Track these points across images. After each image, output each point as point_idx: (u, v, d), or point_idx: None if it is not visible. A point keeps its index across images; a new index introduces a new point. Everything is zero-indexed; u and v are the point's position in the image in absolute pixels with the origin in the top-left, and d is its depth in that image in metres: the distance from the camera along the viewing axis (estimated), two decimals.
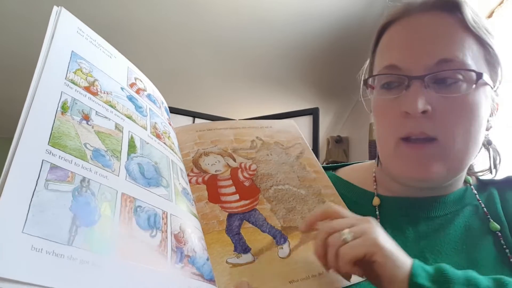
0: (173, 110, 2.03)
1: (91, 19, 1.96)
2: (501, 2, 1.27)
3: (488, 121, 0.51)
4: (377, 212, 0.54)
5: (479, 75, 0.46)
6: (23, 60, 2.30)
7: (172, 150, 0.46)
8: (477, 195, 0.54)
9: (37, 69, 0.33)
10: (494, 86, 0.50)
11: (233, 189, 0.50)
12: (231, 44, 2.19)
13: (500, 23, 1.27)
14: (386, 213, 0.54)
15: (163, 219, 0.36)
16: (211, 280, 0.37)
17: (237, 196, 0.49)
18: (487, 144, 0.54)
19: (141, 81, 0.48)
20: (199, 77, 2.54)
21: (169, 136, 0.47)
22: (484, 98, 0.48)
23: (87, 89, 0.37)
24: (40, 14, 1.93)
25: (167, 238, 0.35)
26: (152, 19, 2.00)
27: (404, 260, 0.38)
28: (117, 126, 0.38)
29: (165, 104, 0.53)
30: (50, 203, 0.27)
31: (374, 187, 0.57)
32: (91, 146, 0.33)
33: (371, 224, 0.40)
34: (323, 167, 0.63)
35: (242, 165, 0.54)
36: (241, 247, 0.44)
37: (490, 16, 1.30)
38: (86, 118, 0.35)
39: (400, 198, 0.54)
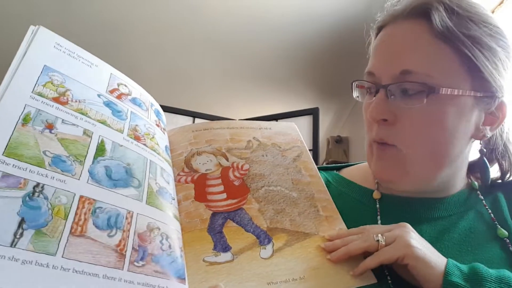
0: (173, 110, 2.06)
1: (90, 20, 2.03)
2: (501, 2, 1.28)
3: (480, 130, 0.49)
4: (378, 206, 0.52)
5: (431, 89, 0.45)
6: None
7: (155, 150, 0.47)
8: (483, 201, 0.53)
9: (2, 85, 0.36)
10: (482, 95, 0.47)
11: (221, 188, 0.50)
12: (231, 44, 2.19)
13: (500, 23, 1.26)
14: (387, 211, 0.52)
15: (126, 218, 0.37)
16: (178, 278, 0.37)
17: (224, 195, 0.49)
18: (480, 153, 0.53)
19: (125, 86, 0.50)
20: (199, 77, 2.56)
21: (152, 137, 0.48)
22: (455, 110, 0.46)
23: (55, 99, 0.40)
24: (40, 13, 1.99)
25: (128, 237, 0.36)
26: (152, 19, 2.02)
27: (437, 260, 0.40)
28: (85, 132, 0.40)
29: (156, 106, 0.54)
30: None
31: (376, 185, 0.56)
32: (51, 153, 0.36)
33: (405, 228, 0.43)
34: (327, 166, 0.65)
35: (235, 164, 0.53)
36: (221, 246, 0.43)
37: None
38: (50, 127, 0.37)
39: (401, 197, 0.53)
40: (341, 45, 2.10)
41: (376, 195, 0.54)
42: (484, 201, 0.53)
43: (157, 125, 0.51)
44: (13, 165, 0.33)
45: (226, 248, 0.43)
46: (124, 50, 2.25)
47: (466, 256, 0.46)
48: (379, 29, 0.53)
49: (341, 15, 1.87)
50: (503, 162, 0.54)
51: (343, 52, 2.17)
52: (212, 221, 0.46)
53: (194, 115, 2.19)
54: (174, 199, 0.45)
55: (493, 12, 1.30)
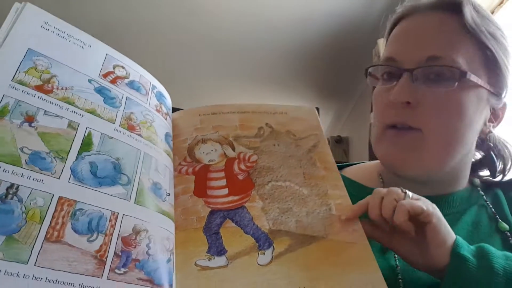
0: (172, 110, 2.01)
1: (91, 20, 2.03)
2: (501, 2, 1.28)
3: (486, 125, 0.52)
4: None
5: (463, 74, 0.47)
6: None
7: (151, 141, 0.43)
8: (484, 196, 0.55)
9: None
10: (495, 92, 0.51)
11: (223, 182, 0.46)
12: (231, 45, 2.17)
13: (500, 23, 1.25)
14: None
15: (110, 220, 0.35)
16: (161, 286, 0.35)
17: (225, 191, 0.45)
18: (487, 150, 0.55)
19: (123, 68, 0.46)
20: (199, 77, 2.54)
21: (149, 126, 0.44)
22: (475, 100, 0.49)
23: (38, 88, 0.36)
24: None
25: (110, 241, 0.34)
26: (152, 19, 1.99)
27: (452, 231, 0.41)
28: (70, 124, 0.37)
29: (159, 89, 0.50)
30: None
31: (382, 185, 0.57)
32: (29, 149, 0.33)
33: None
34: None
35: (241, 155, 0.49)
36: (216, 248, 0.40)
37: None
38: (30, 119, 0.35)
39: None
40: (341, 45, 2.12)
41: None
42: (485, 197, 0.55)
43: (158, 110, 0.48)
44: None
45: (221, 252, 0.40)
46: (123, 50, 2.20)
47: None
48: (399, 19, 0.55)
49: (341, 15, 1.89)
50: (499, 161, 0.57)
51: (343, 52, 2.19)
52: (210, 220, 0.43)
53: None
54: (169, 195, 0.42)
55: (493, 12, 1.31)
